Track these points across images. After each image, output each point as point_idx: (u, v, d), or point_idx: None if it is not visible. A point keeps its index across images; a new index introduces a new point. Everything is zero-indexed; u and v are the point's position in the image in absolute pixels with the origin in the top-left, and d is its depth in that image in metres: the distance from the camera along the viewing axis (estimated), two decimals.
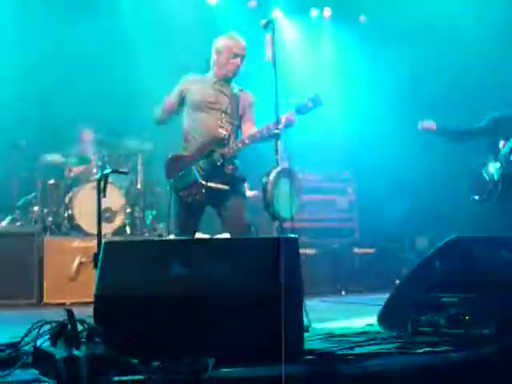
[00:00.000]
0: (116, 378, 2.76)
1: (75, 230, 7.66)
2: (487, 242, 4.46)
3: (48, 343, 3.10)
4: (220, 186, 5.07)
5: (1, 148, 8.19)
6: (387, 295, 4.44)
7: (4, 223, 7.82)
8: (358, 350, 3.48)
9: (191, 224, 5.20)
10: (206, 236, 6.57)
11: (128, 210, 7.98)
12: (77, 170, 8.21)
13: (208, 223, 5.74)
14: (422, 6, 9.21)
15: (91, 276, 3.60)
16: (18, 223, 7.84)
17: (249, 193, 8.14)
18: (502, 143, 6.88)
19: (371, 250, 8.97)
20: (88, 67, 8.56)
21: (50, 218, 7.84)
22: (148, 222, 8.26)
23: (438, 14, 9.09)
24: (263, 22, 4.86)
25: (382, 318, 4.30)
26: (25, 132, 8.24)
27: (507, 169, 6.80)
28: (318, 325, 4.49)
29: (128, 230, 7.99)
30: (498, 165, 6.84)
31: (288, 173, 4.86)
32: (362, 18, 10.41)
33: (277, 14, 9.65)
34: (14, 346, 3.27)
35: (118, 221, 7.77)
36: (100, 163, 7.91)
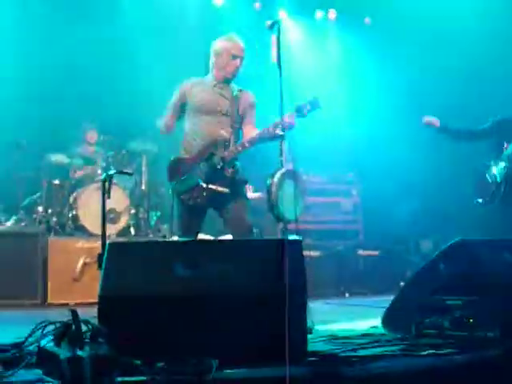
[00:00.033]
0: (119, 379, 2.76)
1: (79, 230, 7.67)
2: (491, 245, 4.45)
3: (52, 343, 3.10)
4: (220, 189, 5.08)
5: (5, 148, 8.21)
6: (391, 297, 4.44)
7: (9, 223, 7.83)
8: (361, 352, 3.48)
9: (194, 226, 5.21)
10: (209, 237, 6.58)
11: (132, 211, 7.99)
12: (81, 171, 8.23)
13: (211, 224, 5.74)
14: (428, 7, 9.20)
15: (95, 277, 3.61)
16: (22, 223, 7.86)
17: (253, 194, 8.16)
18: (505, 145, 6.87)
19: (375, 252, 8.96)
20: (92, 68, 8.57)
21: (55, 219, 7.85)
22: (152, 223, 8.27)
23: (444, 15, 9.07)
24: (268, 23, 4.85)
25: (387, 321, 4.30)
26: (29, 133, 8.26)
27: (510, 171, 6.79)
28: (321, 327, 4.49)
29: (132, 230, 8.00)
30: (500, 167, 6.83)
31: (292, 174, 4.86)
32: (367, 20, 10.40)
33: (282, 15, 9.67)
34: (18, 346, 3.28)
35: (123, 222, 7.78)
36: (104, 164, 7.92)
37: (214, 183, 5.07)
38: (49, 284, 7.15)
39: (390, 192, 9.18)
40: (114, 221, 7.64)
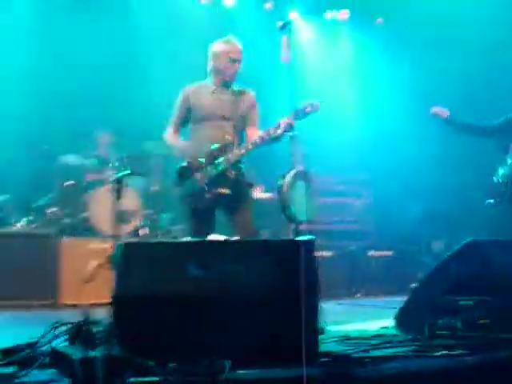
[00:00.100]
0: (132, 380, 2.77)
1: (92, 231, 7.68)
2: (503, 245, 4.44)
3: (65, 344, 3.11)
4: (222, 191, 5.12)
5: (18, 149, 8.25)
6: (403, 298, 4.43)
7: (21, 224, 7.86)
8: (374, 353, 3.47)
9: (203, 228, 5.22)
10: (222, 237, 6.58)
11: (144, 212, 8.00)
12: (94, 172, 8.24)
13: (222, 225, 5.76)
14: (441, 8, 9.16)
15: (107, 277, 3.61)
16: (35, 224, 7.88)
17: (263, 195, 8.17)
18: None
19: (388, 253, 8.94)
20: (106, 69, 8.58)
21: (67, 220, 7.87)
22: (164, 224, 8.27)
23: (457, 15, 9.02)
24: (280, 23, 4.85)
25: (399, 321, 4.29)
26: (42, 134, 8.30)
27: None
28: (333, 327, 4.48)
29: (144, 231, 8.00)
30: (508, 167, 6.80)
31: (304, 175, 4.86)
32: (380, 20, 10.37)
33: (293, 15, 9.67)
34: (31, 346, 3.29)
35: (134, 223, 7.79)
36: (117, 165, 7.93)
37: (217, 186, 5.11)
38: (61, 285, 7.17)
39: (402, 192, 9.16)
40: (126, 222, 7.64)
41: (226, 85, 5.35)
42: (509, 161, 6.79)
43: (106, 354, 2.80)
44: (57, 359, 3.04)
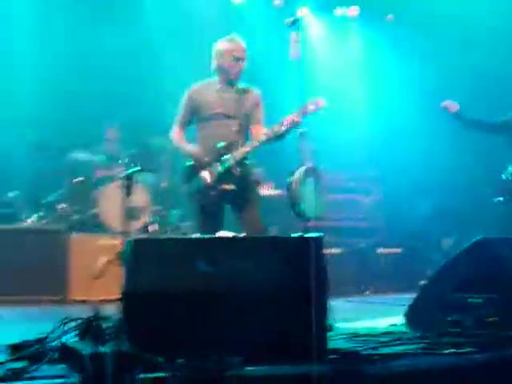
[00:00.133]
0: (141, 376, 2.78)
1: (101, 227, 7.70)
2: None
3: (75, 339, 3.12)
4: (226, 187, 5.15)
5: (27, 146, 8.28)
6: (412, 295, 4.43)
7: (31, 220, 7.89)
8: (383, 350, 3.47)
9: (210, 225, 5.26)
10: (231, 234, 6.59)
11: (153, 209, 8.01)
12: (104, 168, 8.25)
13: (232, 222, 5.78)
14: (452, 3, 9.13)
15: (117, 273, 3.62)
16: (44, 220, 7.91)
17: (273, 192, 8.18)
18: None
19: (397, 250, 8.93)
20: (114, 66, 8.60)
21: (77, 216, 7.89)
22: (173, 220, 8.28)
23: (468, 12, 8.99)
24: (290, 20, 4.84)
25: (409, 319, 4.29)
26: (52, 130, 8.32)
27: None
28: (342, 325, 4.47)
29: (153, 227, 8.01)
30: None
31: (313, 172, 4.86)
32: (390, 17, 10.34)
33: (304, 12, 9.65)
34: (41, 341, 3.30)
35: (144, 219, 7.80)
36: (126, 161, 7.95)
37: (222, 183, 5.13)
38: (70, 281, 7.19)
39: (411, 189, 9.14)
40: (135, 218, 7.65)
41: (230, 83, 5.37)
42: None
43: (115, 349, 2.81)
44: (66, 355, 3.05)
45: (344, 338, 3.91)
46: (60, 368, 2.99)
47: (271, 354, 3.13)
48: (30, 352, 3.16)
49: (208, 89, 5.40)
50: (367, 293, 8.30)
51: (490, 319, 3.86)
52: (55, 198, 8.21)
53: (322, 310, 3.32)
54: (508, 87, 8.37)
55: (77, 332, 3.15)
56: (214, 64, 5.39)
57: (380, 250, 8.87)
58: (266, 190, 8.01)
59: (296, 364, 3.03)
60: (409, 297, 4.50)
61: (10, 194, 8.15)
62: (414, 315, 4.28)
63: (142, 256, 3.40)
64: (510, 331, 3.71)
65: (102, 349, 2.84)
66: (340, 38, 10.45)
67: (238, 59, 5.30)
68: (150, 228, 7.90)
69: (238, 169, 5.20)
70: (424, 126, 8.85)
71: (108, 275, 7.12)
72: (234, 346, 3.09)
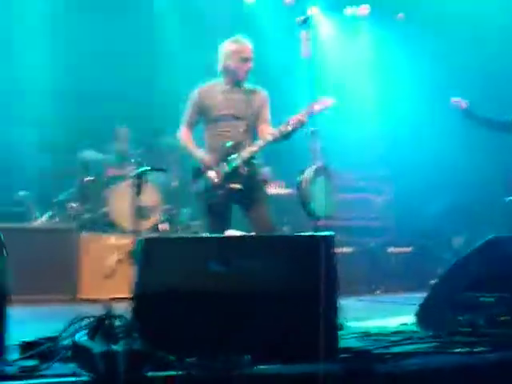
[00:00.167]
0: (151, 374, 2.79)
1: (112, 226, 7.72)
2: None
3: (86, 338, 3.13)
4: (233, 186, 5.17)
5: (39, 145, 8.30)
6: (423, 295, 4.42)
7: (42, 219, 7.91)
8: (394, 349, 3.47)
9: (219, 224, 5.27)
10: (239, 233, 6.60)
11: (164, 207, 8.02)
12: (114, 168, 8.27)
13: (241, 222, 5.79)
14: (462, 2, 9.10)
15: (127, 272, 3.62)
16: (55, 219, 7.93)
17: (283, 191, 8.18)
18: None
19: (407, 249, 8.91)
20: (126, 66, 8.62)
21: (88, 215, 7.91)
22: (183, 219, 8.29)
23: (478, 11, 8.96)
24: (301, 18, 4.84)
25: (420, 318, 4.28)
26: (63, 130, 8.35)
27: None
28: (354, 324, 4.47)
29: (164, 226, 8.02)
30: None
31: (323, 171, 4.86)
32: (400, 16, 10.31)
33: (314, 11, 9.64)
34: (52, 340, 3.31)
35: (154, 218, 7.81)
36: (136, 161, 7.96)
37: (229, 182, 5.15)
38: (81, 279, 7.21)
39: (422, 188, 9.11)
40: (146, 217, 7.67)
41: (237, 84, 5.37)
42: None
43: (127, 348, 2.81)
44: (78, 353, 3.05)
45: (355, 336, 3.91)
46: (71, 366, 3.00)
47: (281, 353, 3.13)
48: (41, 350, 3.17)
49: (215, 90, 5.41)
50: (378, 292, 8.29)
51: (502, 318, 3.85)
52: (66, 197, 8.23)
53: (333, 309, 3.32)
54: None
55: (88, 330, 3.15)
56: (220, 65, 5.39)
57: (391, 249, 8.86)
58: (274, 189, 8.01)
59: (306, 363, 3.03)
60: (420, 296, 4.49)
61: (21, 193, 8.17)
62: (424, 314, 4.27)
63: (152, 255, 3.41)
64: None
65: (114, 347, 2.84)
66: (350, 36, 10.45)
67: (245, 60, 5.30)
68: (161, 227, 7.91)
69: (246, 168, 5.21)
70: (435, 125, 8.83)
71: (119, 274, 7.14)
72: (243, 345, 3.09)
